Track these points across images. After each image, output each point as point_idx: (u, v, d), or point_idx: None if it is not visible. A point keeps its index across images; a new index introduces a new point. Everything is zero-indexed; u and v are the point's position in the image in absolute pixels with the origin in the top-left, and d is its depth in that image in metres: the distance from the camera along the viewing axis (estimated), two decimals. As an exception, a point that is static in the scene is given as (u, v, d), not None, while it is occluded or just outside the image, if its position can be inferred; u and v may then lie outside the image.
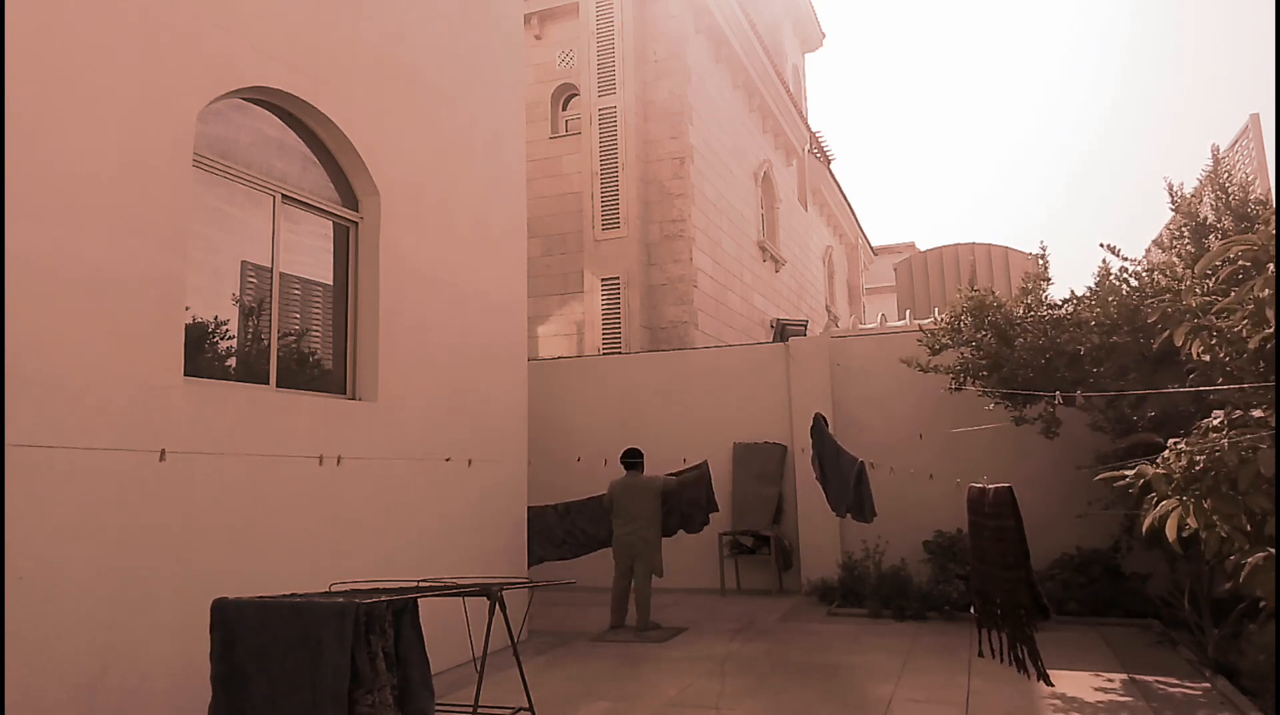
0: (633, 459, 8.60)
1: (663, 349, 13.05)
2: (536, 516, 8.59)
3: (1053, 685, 5.23)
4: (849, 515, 8.29)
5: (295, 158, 6.16)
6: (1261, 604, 4.95)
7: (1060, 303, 8.18)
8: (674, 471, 9.08)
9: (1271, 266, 3.23)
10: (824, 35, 25.95)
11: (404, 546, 6.53)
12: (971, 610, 5.65)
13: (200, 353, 5.31)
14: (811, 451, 8.69)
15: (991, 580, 5.43)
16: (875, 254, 31.35)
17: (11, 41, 4.09)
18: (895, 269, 18.19)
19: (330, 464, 5.91)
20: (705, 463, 8.98)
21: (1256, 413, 3.34)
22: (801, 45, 25.56)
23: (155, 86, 4.85)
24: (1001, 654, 5.38)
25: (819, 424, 8.64)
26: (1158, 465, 3.33)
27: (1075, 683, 6.17)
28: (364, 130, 6.47)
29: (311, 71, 6.01)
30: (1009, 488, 5.34)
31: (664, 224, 14.23)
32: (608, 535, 8.58)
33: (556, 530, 8.59)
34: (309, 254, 6.29)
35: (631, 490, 8.40)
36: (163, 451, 4.70)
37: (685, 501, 8.70)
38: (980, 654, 5.52)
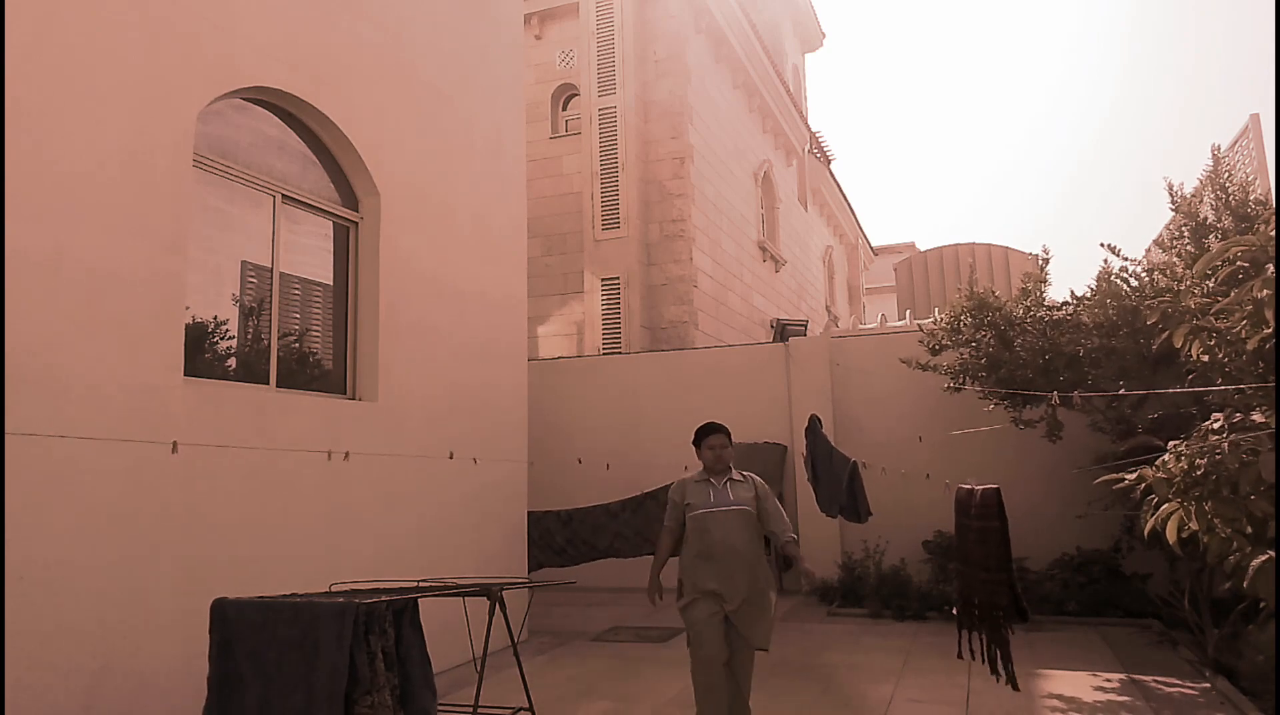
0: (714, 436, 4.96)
1: (663, 349, 13.04)
2: (538, 522, 8.57)
3: (1019, 690, 5.28)
4: (841, 516, 8.29)
5: (295, 158, 6.16)
6: (1262, 604, 4.95)
7: (1060, 303, 8.18)
8: (667, 484, 8.94)
9: (1270, 267, 3.23)
10: (824, 35, 25.94)
11: (404, 546, 6.53)
12: (953, 610, 5.66)
13: (200, 353, 5.31)
14: (806, 453, 8.69)
15: (973, 581, 5.44)
16: (875, 254, 31.34)
17: (12, 41, 4.09)
18: (895, 269, 18.19)
19: (331, 464, 5.91)
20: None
21: (1257, 417, 3.34)
22: (801, 45, 25.55)
23: (156, 87, 4.85)
24: (983, 655, 5.39)
25: (813, 425, 8.65)
26: (1157, 468, 3.33)
27: (1075, 683, 6.17)
28: (364, 130, 6.47)
29: (311, 71, 6.01)
30: (996, 489, 5.33)
31: (664, 224, 14.23)
32: (607, 545, 8.48)
33: (557, 537, 8.56)
34: (309, 254, 6.29)
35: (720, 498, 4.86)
36: (173, 445, 4.70)
37: None
38: (960, 655, 5.54)
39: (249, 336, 5.74)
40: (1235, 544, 3.17)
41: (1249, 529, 3.15)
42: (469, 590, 4.35)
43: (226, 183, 5.54)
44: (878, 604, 9.05)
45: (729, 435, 4.98)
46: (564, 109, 15.19)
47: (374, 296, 6.53)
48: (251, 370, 5.69)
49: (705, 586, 4.63)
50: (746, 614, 4.63)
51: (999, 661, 5.28)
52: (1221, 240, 5.70)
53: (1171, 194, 7.21)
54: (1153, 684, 6.12)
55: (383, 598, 3.61)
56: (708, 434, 4.95)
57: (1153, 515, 3.38)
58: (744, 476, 4.93)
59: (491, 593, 4.31)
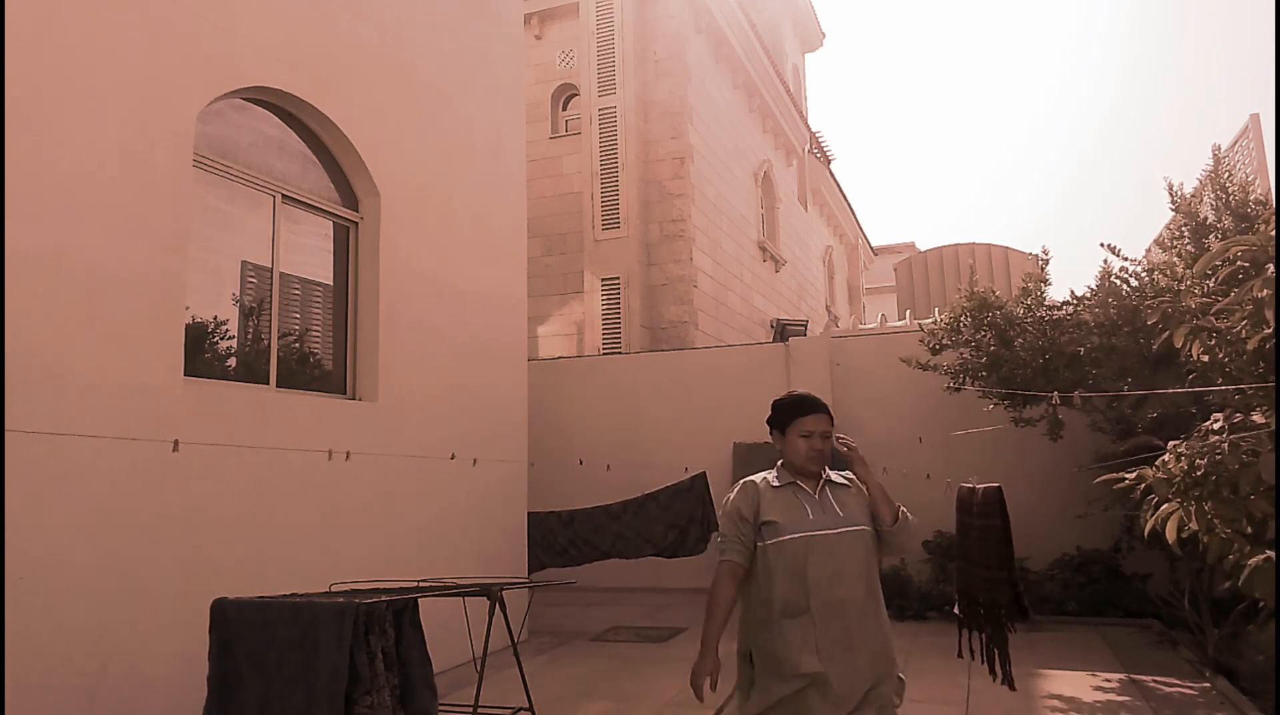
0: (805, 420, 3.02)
1: (663, 349, 13.05)
2: (539, 522, 8.56)
3: (1015, 689, 5.29)
4: None
5: (295, 158, 6.16)
6: (1261, 605, 4.95)
7: (1060, 303, 8.18)
8: (669, 484, 8.91)
9: (1271, 267, 3.22)
10: (824, 35, 25.94)
11: (404, 546, 6.53)
12: (955, 610, 5.65)
13: (200, 353, 5.31)
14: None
15: (974, 580, 5.44)
16: (875, 254, 31.34)
17: (12, 41, 4.09)
18: (895, 269, 18.19)
19: (331, 464, 5.91)
20: (703, 475, 8.82)
21: (1257, 417, 3.34)
22: (801, 45, 25.54)
23: (156, 86, 4.85)
24: (982, 655, 5.39)
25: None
26: (1157, 468, 3.33)
27: (1075, 683, 6.17)
28: (364, 130, 6.47)
29: (311, 71, 6.01)
30: (998, 488, 5.35)
31: (664, 224, 14.23)
32: (609, 546, 8.45)
33: (560, 537, 8.55)
34: (309, 254, 6.29)
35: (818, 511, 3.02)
36: (173, 445, 4.70)
37: (679, 515, 8.52)
38: (959, 655, 5.54)
39: (249, 336, 5.74)
40: (1235, 544, 3.17)
41: (1249, 529, 3.15)
42: (469, 590, 4.35)
43: (226, 183, 5.54)
44: (878, 604, 9.04)
45: (832, 418, 3.04)
46: (564, 109, 15.19)
47: (374, 296, 6.53)
48: (251, 370, 5.69)
49: (800, 667, 2.75)
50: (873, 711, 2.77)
51: (997, 661, 5.28)
52: (1221, 240, 5.70)
53: (1171, 194, 7.21)
54: (1153, 684, 6.11)
55: (383, 598, 3.61)
56: (803, 412, 2.99)
57: (1153, 515, 3.37)
58: (846, 479, 3.05)
59: (491, 593, 4.31)
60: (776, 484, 2.99)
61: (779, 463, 3.08)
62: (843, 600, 2.80)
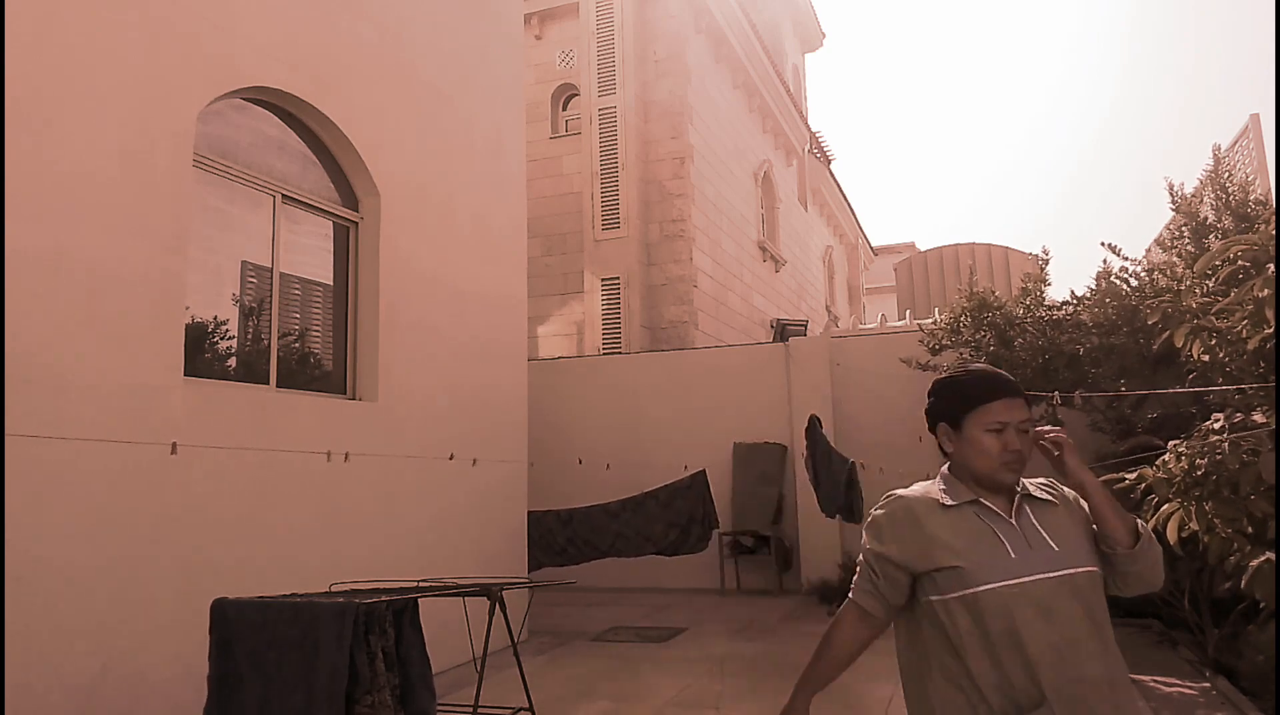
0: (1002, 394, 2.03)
1: (663, 349, 13.05)
2: (538, 522, 8.55)
3: None
4: (839, 517, 8.29)
5: (295, 158, 6.16)
6: (1261, 605, 4.95)
7: (1060, 303, 8.18)
8: (667, 483, 8.89)
9: (1271, 266, 3.23)
10: (824, 35, 25.94)
11: (404, 546, 6.53)
12: None
13: (200, 353, 5.31)
14: (806, 453, 8.68)
15: None
16: (875, 254, 31.34)
17: (12, 41, 4.09)
18: (895, 269, 18.20)
19: (331, 464, 5.91)
20: (703, 473, 8.74)
21: (1257, 417, 3.34)
22: (801, 45, 25.55)
23: (156, 86, 4.85)
24: None
25: (813, 425, 8.66)
26: (1158, 468, 3.33)
27: (1075, 683, 6.16)
28: (364, 130, 6.47)
29: (311, 71, 6.01)
30: None
31: (664, 224, 14.23)
32: (608, 545, 8.43)
33: (558, 537, 8.54)
34: (309, 254, 6.29)
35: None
36: (173, 446, 4.70)
37: (679, 514, 8.51)
38: None
39: (249, 336, 5.74)
40: (1235, 544, 3.18)
41: (1249, 529, 3.16)
42: (469, 590, 4.34)
43: (226, 183, 5.54)
44: (878, 604, 9.02)
45: (1029, 403, 2.08)
46: (564, 109, 15.20)
47: (374, 296, 6.53)
48: (251, 370, 5.69)
49: None
50: None
51: None
52: (1221, 240, 5.70)
53: (1172, 194, 7.22)
54: (1153, 684, 6.11)
55: (383, 598, 3.61)
56: (991, 396, 2.05)
57: (1153, 515, 3.38)
58: (1050, 492, 2.09)
59: (491, 593, 4.31)
60: (950, 502, 2.02)
61: (944, 469, 2.12)
62: (1085, 680, 1.85)
